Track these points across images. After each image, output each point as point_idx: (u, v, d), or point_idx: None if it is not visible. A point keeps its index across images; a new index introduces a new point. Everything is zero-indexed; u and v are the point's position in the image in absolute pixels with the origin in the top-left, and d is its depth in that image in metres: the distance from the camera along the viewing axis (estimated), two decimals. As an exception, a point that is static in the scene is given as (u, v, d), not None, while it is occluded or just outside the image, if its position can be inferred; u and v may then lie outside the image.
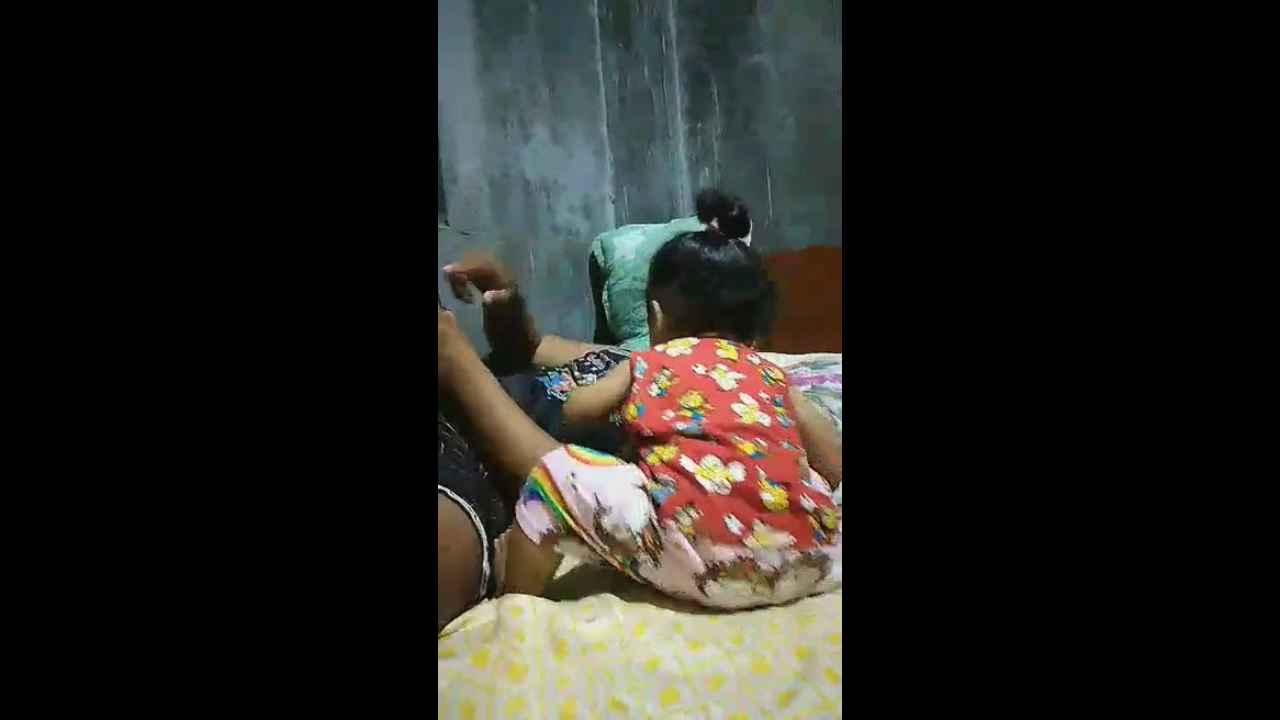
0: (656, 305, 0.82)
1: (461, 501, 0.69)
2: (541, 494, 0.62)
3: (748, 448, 0.62)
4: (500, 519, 0.76)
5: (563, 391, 0.97)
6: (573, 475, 0.62)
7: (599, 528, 0.60)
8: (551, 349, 1.13)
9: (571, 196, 1.65)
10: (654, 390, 0.69)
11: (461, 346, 0.83)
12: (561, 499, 0.61)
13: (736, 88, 1.83)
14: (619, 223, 1.77)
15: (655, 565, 0.59)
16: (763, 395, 0.68)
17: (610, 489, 0.61)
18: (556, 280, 1.60)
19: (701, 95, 1.88)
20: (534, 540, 0.62)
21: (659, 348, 0.76)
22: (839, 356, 1.23)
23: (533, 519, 0.62)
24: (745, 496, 0.59)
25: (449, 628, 0.58)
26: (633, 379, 0.72)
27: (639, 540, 0.59)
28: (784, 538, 0.58)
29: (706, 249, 0.80)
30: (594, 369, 1.04)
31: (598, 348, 1.15)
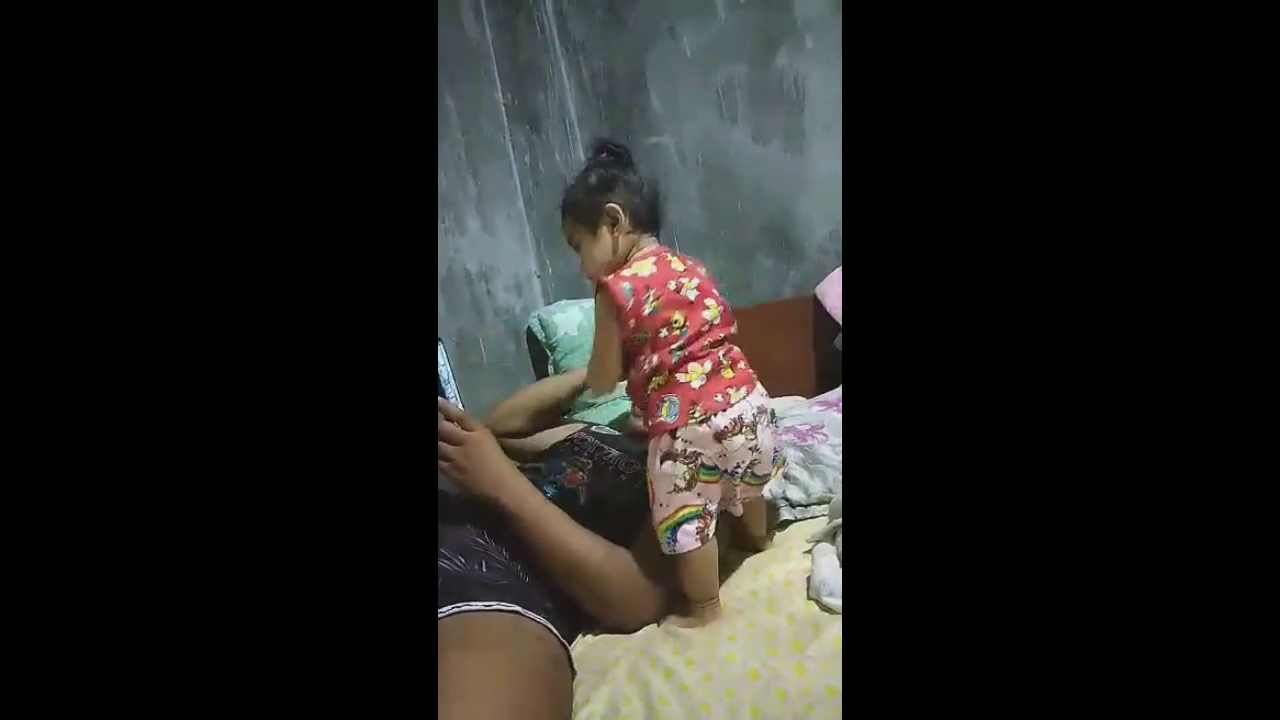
0: (618, 208, 0.86)
1: (544, 622, 0.78)
2: (682, 522, 0.79)
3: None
4: (552, 611, 0.84)
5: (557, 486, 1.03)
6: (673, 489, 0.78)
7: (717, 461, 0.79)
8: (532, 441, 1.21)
9: (505, 278, 1.75)
10: (647, 310, 0.79)
11: (514, 488, 0.90)
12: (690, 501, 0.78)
13: (639, 163, 1.97)
14: (545, 296, 1.88)
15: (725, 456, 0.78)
16: (715, 292, 0.83)
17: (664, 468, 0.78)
18: (502, 359, 1.68)
19: (607, 171, 2.00)
20: (699, 546, 0.79)
21: (626, 272, 0.82)
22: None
23: (689, 540, 0.79)
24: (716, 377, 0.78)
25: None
26: (619, 305, 0.80)
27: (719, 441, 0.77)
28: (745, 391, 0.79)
29: (622, 164, 0.90)
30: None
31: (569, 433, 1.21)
